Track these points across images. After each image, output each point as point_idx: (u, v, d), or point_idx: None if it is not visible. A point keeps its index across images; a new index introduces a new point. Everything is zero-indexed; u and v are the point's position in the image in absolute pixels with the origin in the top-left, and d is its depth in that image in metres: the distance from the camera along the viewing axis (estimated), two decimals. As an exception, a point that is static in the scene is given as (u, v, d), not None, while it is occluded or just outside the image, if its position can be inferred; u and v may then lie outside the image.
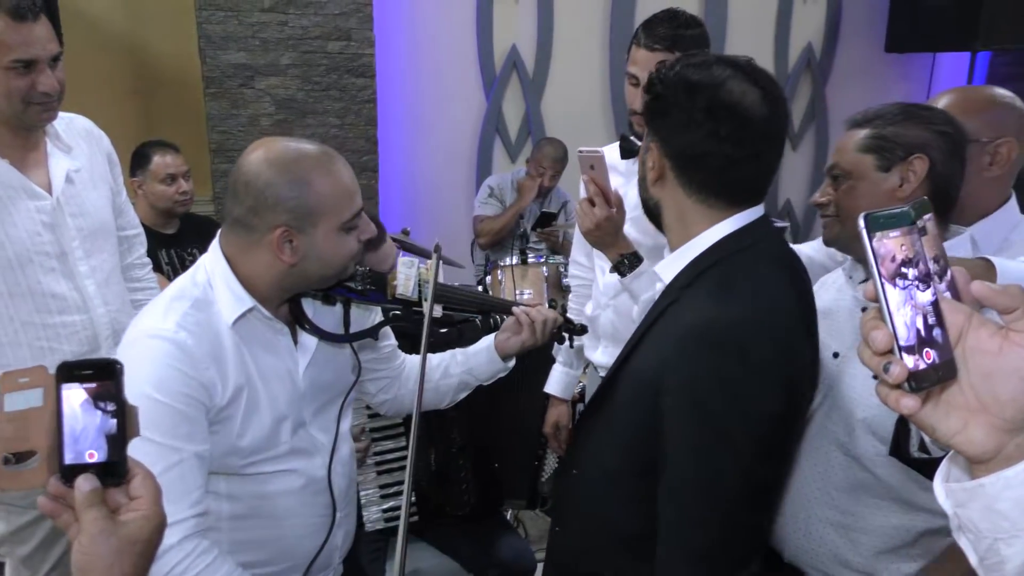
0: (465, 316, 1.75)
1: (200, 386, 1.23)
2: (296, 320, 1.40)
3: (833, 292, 1.47)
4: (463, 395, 1.72)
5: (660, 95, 1.18)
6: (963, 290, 0.72)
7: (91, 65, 3.88)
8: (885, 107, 1.37)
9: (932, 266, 0.64)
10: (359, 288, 1.43)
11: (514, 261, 3.17)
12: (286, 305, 1.38)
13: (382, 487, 2.03)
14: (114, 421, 0.73)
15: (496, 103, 4.48)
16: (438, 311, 1.57)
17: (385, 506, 2.03)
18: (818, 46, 4.95)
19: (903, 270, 0.62)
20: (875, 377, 0.63)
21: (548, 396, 2.19)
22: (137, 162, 2.90)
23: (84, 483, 0.72)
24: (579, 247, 2.17)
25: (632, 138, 1.91)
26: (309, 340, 1.42)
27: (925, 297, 0.62)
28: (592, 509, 1.26)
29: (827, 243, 1.46)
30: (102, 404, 0.73)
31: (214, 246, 1.34)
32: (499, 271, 3.12)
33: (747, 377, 1.06)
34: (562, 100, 4.56)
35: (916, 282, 0.62)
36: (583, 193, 1.69)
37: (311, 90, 3.89)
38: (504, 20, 4.39)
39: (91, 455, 0.72)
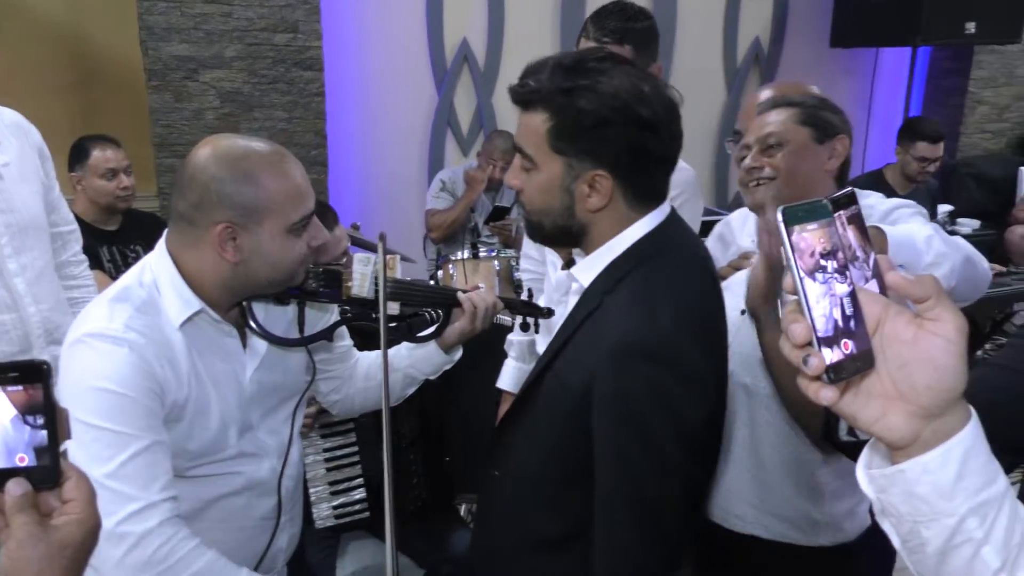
0: (415, 311, 1.72)
1: (154, 380, 1.21)
2: (245, 324, 1.36)
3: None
4: (410, 390, 1.69)
5: (595, 120, 1.09)
6: (886, 276, 0.74)
7: (28, 57, 3.77)
8: (809, 96, 1.53)
9: (860, 254, 0.65)
10: (313, 287, 1.39)
11: (466, 255, 3.15)
12: (235, 309, 1.34)
13: (332, 484, 2.00)
14: (44, 424, 0.70)
15: (448, 97, 4.45)
16: (396, 308, 1.53)
17: (335, 503, 2.00)
18: (765, 40, 5.03)
19: (822, 263, 0.62)
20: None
21: (500, 391, 2.18)
22: (76, 156, 2.81)
23: (14, 487, 0.70)
24: (530, 242, 2.16)
25: None
26: (259, 343, 1.38)
27: (843, 289, 0.63)
28: (512, 511, 1.25)
29: (755, 207, 1.50)
30: (31, 407, 0.70)
31: (160, 245, 1.30)
32: (450, 265, 3.11)
33: (681, 389, 1.06)
34: (514, 94, 4.55)
35: (835, 274, 0.63)
36: None
37: (257, 83, 3.82)
38: (455, 13, 4.36)
39: (21, 459, 0.70)
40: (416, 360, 1.63)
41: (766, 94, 1.75)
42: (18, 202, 1.78)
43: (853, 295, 0.63)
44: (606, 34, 1.82)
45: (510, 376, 2.15)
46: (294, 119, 3.91)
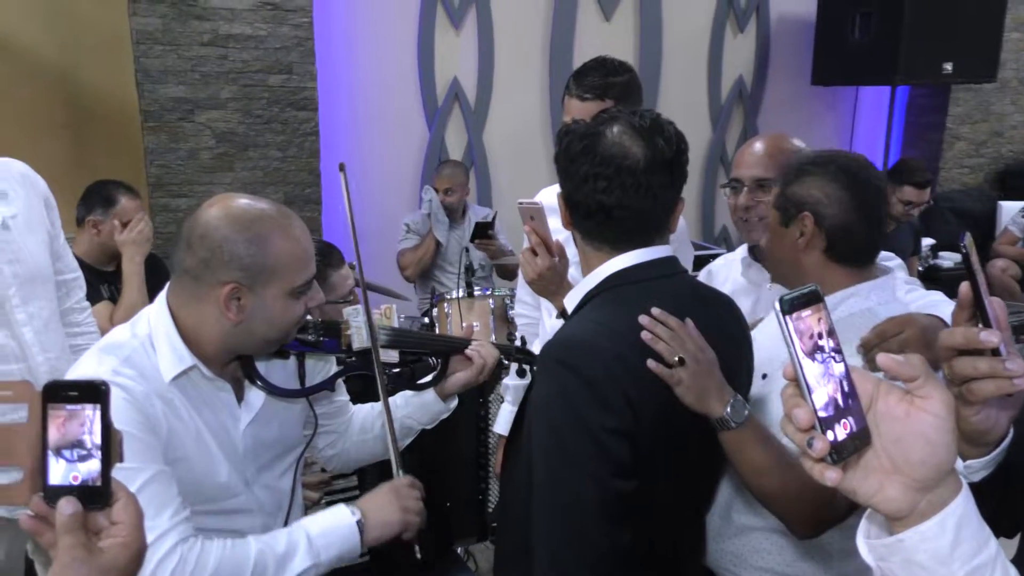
0: (418, 356, 1.73)
1: (147, 416, 1.21)
2: (247, 377, 1.37)
3: (772, 319, 1.53)
4: (408, 441, 1.69)
5: (556, 152, 1.30)
6: (999, 317, 0.82)
7: (20, 97, 3.80)
8: (798, 160, 1.46)
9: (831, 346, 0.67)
10: (312, 339, 1.41)
11: (461, 295, 3.19)
12: (235, 363, 1.36)
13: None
14: (99, 444, 0.72)
15: (439, 134, 4.52)
16: (395, 356, 1.55)
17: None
18: (749, 79, 5.14)
19: (819, 343, 0.65)
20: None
21: (488, 434, 2.21)
22: (98, 201, 2.78)
23: (65, 506, 0.71)
24: (524, 286, 2.19)
25: None
26: (255, 397, 1.39)
27: (839, 368, 0.66)
28: (514, 526, 1.32)
29: (752, 244, 1.58)
30: (87, 426, 0.72)
31: (161, 298, 1.32)
32: (446, 304, 3.14)
33: (583, 392, 1.13)
34: (504, 131, 4.63)
35: (832, 354, 0.66)
36: (526, 243, 1.72)
37: (252, 123, 3.87)
38: (445, 52, 4.44)
39: (75, 477, 0.72)
40: (414, 410, 1.64)
41: (757, 146, 1.81)
42: (25, 253, 1.81)
43: (848, 375, 0.66)
44: (587, 91, 1.86)
45: (506, 420, 2.17)
46: (288, 158, 3.96)
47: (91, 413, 0.72)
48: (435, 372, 1.64)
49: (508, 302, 3.12)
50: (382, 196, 4.45)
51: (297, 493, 1.50)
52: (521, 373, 1.74)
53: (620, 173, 1.21)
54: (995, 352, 0.82)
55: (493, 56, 4.53)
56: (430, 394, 1.63)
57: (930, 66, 4.56)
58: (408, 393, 1.65)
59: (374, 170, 4.41)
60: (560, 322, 1.72)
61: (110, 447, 0.72)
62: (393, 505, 1.35)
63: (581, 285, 1.30)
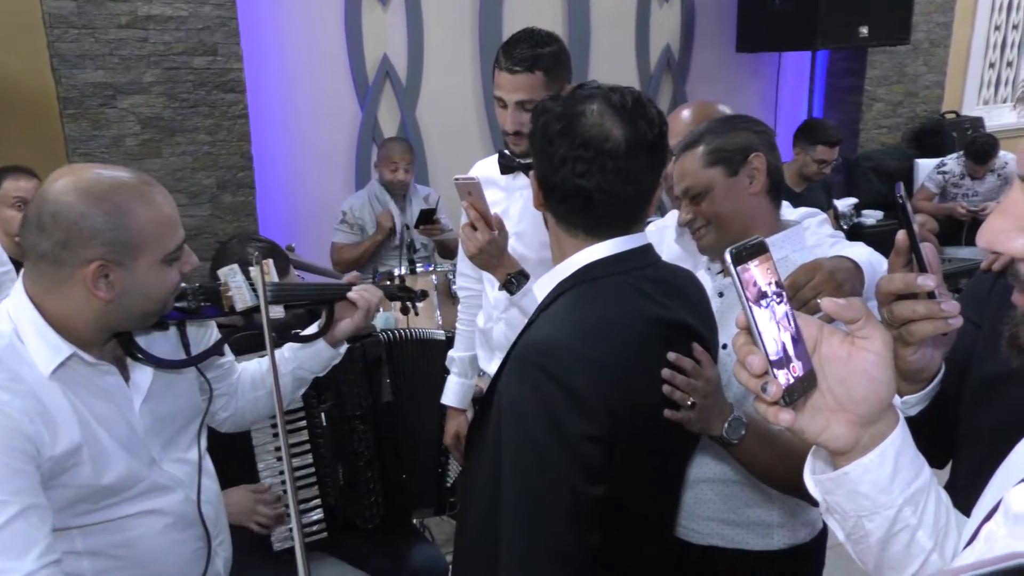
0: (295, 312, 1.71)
1: (24, 438, 1.12)
2: (129, 354, 1.31)
3: (730, 290, 1.57)
4: (300, 392, 1.67)
5: (531, 131, 1.22)
6: (932, 262, 0.88)
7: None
8: (707, 124, 1.51)
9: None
10: (192, 307, 1.37)
11: (403, 271, 3.20)
12: (113, 341, 1.29)
13: (288, 505, 2.03)
14: None
15: (371, 112, 4.48)
16: (280, 311, 1.51)
17: (292, 524, 2.03)
18: (676, 47, 5.22)
19: (768, 292, 0.68)
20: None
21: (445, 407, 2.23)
22: None
23: None
24: (465, 260, 2.20)
25: (507, 153, 1.97)
26: (142, 376, 1.33)
27: (787, 315, 0.69)
28: (477, 515, 1.30)
29: (703, 252, 1.55)
30: None
31: (18, 288, 1.22)
32: (388, 283, 3.15)
33: (560, 398, 1.08)
34: (437, 107, 4.61)
35: (780, 302, 0.68)
36: (464, 219, 1.73)
37: (178, 107, 3.77)
38: (374, 29, 4.39)
39: None
40: (303, 360, 1.62)
41: (685, 113, 1.84)
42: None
43: (795, 321, 0.70)
44: (516, 63, 1.85)
45: (454, 392, 2.21)
46: (218, 142, 3.88)
47: None
48: (322, 321, 1.61)
49: (451, 277, 3.15)
50: (316, 177, 4.40)
51: (205, 463, 1.46)
52: (404, 311, 1.74)
53: (600, 156, 1.14)
54: (930, 295, 0.88)
55: (422, 32, 4.49)
56: (320, 343, 1.61)
57: (847, 30, 4.72)
58: (295, 345, 1.63)
59: (307, 151, 4.35)
60: (503, 294, 1.76)
61: None
62: None
63: (553, 273, 1.25)
